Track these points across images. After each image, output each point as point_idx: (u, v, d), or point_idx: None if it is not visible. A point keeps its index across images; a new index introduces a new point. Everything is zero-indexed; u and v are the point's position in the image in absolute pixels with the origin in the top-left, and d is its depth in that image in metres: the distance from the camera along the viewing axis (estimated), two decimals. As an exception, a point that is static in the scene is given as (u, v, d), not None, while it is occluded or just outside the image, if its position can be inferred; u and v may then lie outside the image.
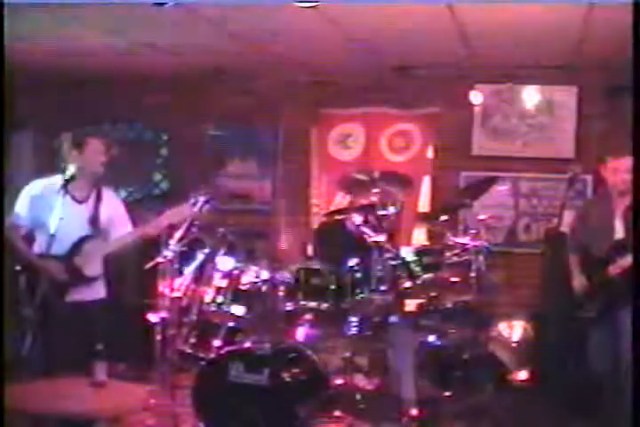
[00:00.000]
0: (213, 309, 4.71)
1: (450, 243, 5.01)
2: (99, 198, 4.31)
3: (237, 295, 4.70)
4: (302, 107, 6.83)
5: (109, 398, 3.47)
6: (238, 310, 4.67)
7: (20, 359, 3.77)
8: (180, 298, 4.71)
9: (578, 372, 4.94)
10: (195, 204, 4.45)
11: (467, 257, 4.90)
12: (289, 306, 4.67)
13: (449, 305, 5.01)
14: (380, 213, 4.86)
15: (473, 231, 5.00)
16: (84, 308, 4.19)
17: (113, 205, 4.40)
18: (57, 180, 4.09)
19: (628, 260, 4.30)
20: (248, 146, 7.08)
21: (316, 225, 6.50)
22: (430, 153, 6.67)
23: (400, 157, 6.74)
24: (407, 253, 4.79)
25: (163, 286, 4.53)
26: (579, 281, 4.63)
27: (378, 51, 5.81)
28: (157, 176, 7.26)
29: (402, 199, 5.17)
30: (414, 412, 4.59)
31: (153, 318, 4.58)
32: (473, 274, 4.85)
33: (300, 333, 4.84)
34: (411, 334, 4.90)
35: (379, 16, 4.70)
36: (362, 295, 4.62)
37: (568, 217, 4.87)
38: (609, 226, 4.55)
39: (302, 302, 4.65)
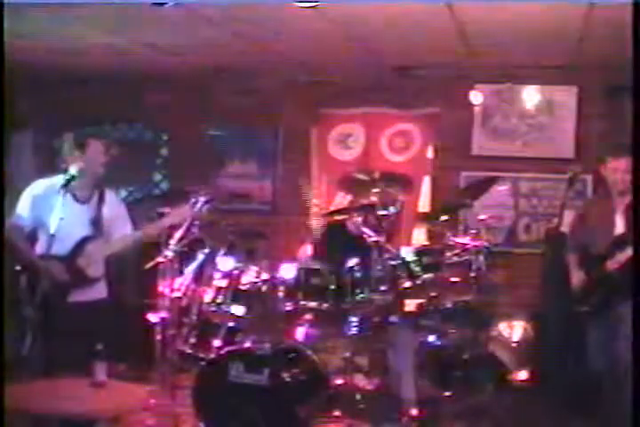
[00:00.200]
0: (213, 309, 4.70)
1: (450, 243, 5.01)
2: (101, 199, 4.31)
3: (237, 295, 4.70)
4: (302, 107, 6.83)
5: (109, 398, 3.48)
6: (238, 310, 4.66)
7: (20, 359, 3.77)
8: (179, 298, 4.71)
9: (578, 372, 4.94)
10: (195, 204, 4.45)
11: (467, 257, 4.90)
12: (289, 306, 4.67)
13: (449, 305, 5.01)
14: (380, 213, 4.86)
15: (473, 231, 5.00)
16: (85, 308, 4.18)
17: (115, 206, 4.40)
18: (59, 180, 4.09)
19: (626, 253, 4.31)
20: (248, 146, 7.08)
21: (315, 225, 6.50)
22: (430, 153, 6.67)
23: (400, 157, 6.74)
24: (407, 253, 4.79)
25: (163, 286, 4.53)
26: (577, 277, 4.63)
27: (378, 51, 5.82)
28: (157, 176, 7.26)
29: (402, 199, 5.17)
30: (414, 412, 4.59)
31: (153, 318, 4.58)
32: (473, 274, 4.85)
33: (300, 333, 4.85)
34: (411, 334, 4.90)
35: (379, 16, 4.70)
36: (362, 295, 4.62)
37: (568, 217, 4.87)
38: (609, 226, 4.55)
39: (302, 302, 4.64)
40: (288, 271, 4.70)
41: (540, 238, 6.26)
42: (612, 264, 4.43)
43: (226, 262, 4.79)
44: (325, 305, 4.62)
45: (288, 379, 4.30)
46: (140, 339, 4.98)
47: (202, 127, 7.07)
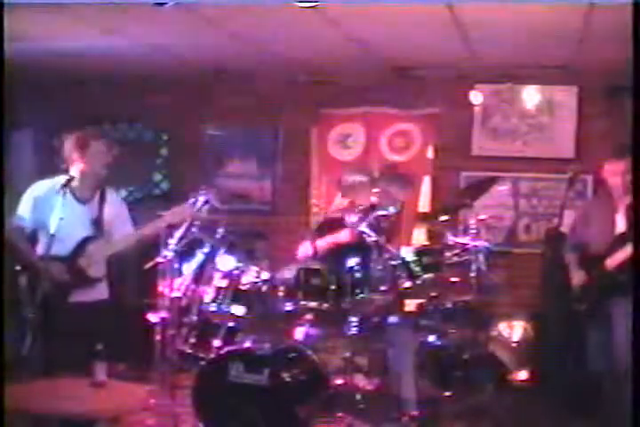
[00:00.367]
0: (213, 309, 4.70)
1: (450, 243, 5.01)
2: (102, 199, 4.31)
3: (237, 295, 4.70)
4: (302, 107, 6.83)
5: (109, 398, 3.48)
6: (238, 310, 4.66)
7: (20, 359, 3.77)
8: (179, 298, 4.71)
9: (578, 372, 4.94)
10: (195, 204, 4.45)
11: (467, 257, 4.91)
12: (289, 306, 4.67)
13: (449, 305, 5.02)
14: (380, 213, 4.86)
15: (473, 231, 5.00)
16: (85, 308, 4.18)
17: (116, 206, 4.40)
18: (60, 181, 4.09)
19: (625, 251, 4.32)
20: (248, 146, 7.08)
21: (315, 225, 6.50)
22: (430, 153, 6.67)
23: (400, 157, 6.74)
24: (407, 253, 4.78)
25: (163, 286, 4.53)
26: (577, 277, 4.63)
27: (378, 51, 5.81)
28: (157, 176, 7.26)
29: (402, 199, 5.17)
30: (414, 412, 4.59)
31: (153, 318, 4.58)
32: (473, 274, 4.86)
33: (300, 333, 4.84)
34: (411, 334, 4.90)
35: (379, 16, 4.70)
36: (362, 295, 4.62)
37: (568, 217, 4.87)
38: (609, 226, 4.55)
39: (302, 302, 4.64)
40: (288, 271, 4.71)
41: (540, 238, 6.26)
42: (611, 264, 4.44)
43: (226, 262, 4.79)
44: (325, 305, 4.62)
45: (288, 379, 4.30)
46: (139, 339, 4.98)
47: (202, 127, 7.07)
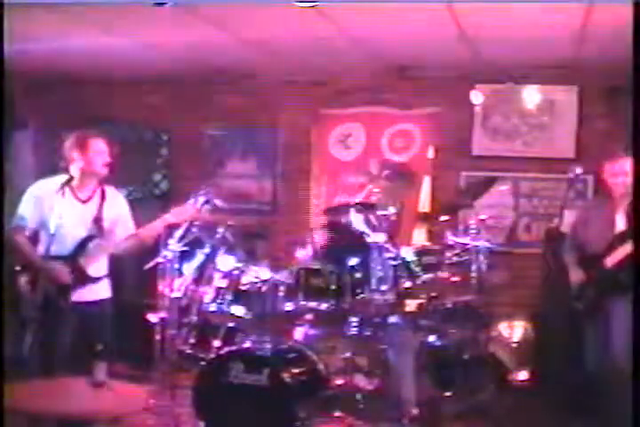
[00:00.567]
0: (213, 309, 4.70)
1: (450, 243, 5.01)
2: (102, 198, 4.31)
3: (237, 295, 4.70)
4: (302, 107, 6.83)
5: (109, 398, 3.47)
6: (238, 310, 4.66)
7: (20, 359, 3.77)
8: (179, 298, 4.71)
9: (578, 372, 4.94)
10: (195, 204, 4.45)
11: (467, 257, 4.91)
12: (289, 306, 4.67)
13: (449, 305, 5.01)
14: (380, 212, 4.86)
15: (473, 231, 5.00)
16: (86, 308, 4.17)
17: (117, 205, 4.40)
18: (60, 180, 4.09)
19: (625, 250, 4.32)
20: (248, 146, 7.07)
21: (315, 225, 6.50)
22: (430, 153, 6.67)
23: (400, 157, 6.74)
24: (407, 253, 4.79)
25: (163, 286, 4.53)
26: (577, 277, 4.63)
27: (378, 51, 5.81)
28: (157, 176, 7.26)
29: (402, 199, 5.17)
30: (414, 412, 4.59)
31: (153, 318, 4.58)
32: (473, 274, 4.86)
33: (300, 333, 4.85)
34: (411, 334, 4.90)
35: (379, 16, 4.70)
36: (362, 295, 4.62)
37: (568, 217, 4.87)
38: (610, 226, 4.55)
39: (302, 302, 4.64)
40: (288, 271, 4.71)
41: (540, 238, 6.26)
42: (611, 264, 4.43)
43: (226, 262, 4.79)
44: (325, 305, 4.62)
45: (288, 379, 4.29)
46: (140, 339, 4.98)
47: (202, 127, 7.07)
